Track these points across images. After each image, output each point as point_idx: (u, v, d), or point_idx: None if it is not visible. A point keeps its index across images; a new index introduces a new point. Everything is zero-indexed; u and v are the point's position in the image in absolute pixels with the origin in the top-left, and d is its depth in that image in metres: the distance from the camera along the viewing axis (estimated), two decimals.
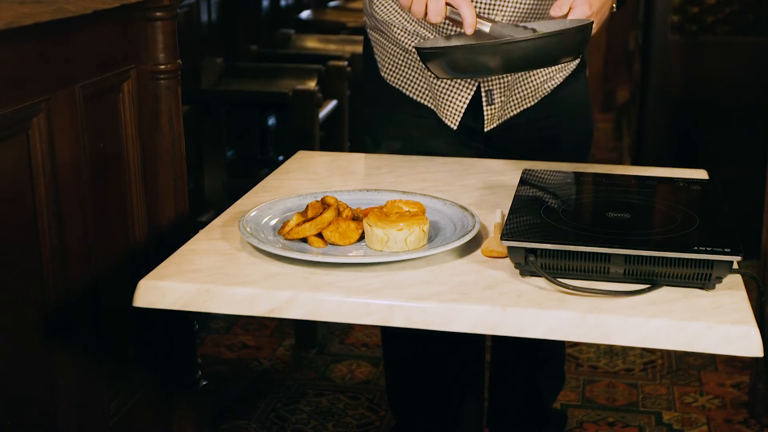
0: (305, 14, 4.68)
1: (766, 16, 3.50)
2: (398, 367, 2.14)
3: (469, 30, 1.57)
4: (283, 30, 4.25)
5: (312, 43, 4.16)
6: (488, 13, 1.77)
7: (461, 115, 1.87)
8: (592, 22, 1.55)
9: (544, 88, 1.91)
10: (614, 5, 1.71)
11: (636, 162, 3.95)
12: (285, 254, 1.34)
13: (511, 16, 1.77)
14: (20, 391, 1.65)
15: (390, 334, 2.12)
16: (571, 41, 1.52)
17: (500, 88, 1.85)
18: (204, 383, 2.24)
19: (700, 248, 1.24)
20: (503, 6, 1.76)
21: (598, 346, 2.90)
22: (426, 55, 1.55)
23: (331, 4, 5.10)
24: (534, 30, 1.64)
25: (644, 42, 3.81)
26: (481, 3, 1.75)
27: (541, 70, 1.88)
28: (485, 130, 1.88)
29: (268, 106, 3.51)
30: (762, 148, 3.44)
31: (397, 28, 1.88)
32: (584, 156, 1.99)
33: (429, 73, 1.87)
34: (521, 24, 1.67)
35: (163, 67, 1.99)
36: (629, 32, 5.17)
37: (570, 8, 1.61)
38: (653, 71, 3.70)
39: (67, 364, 1.78)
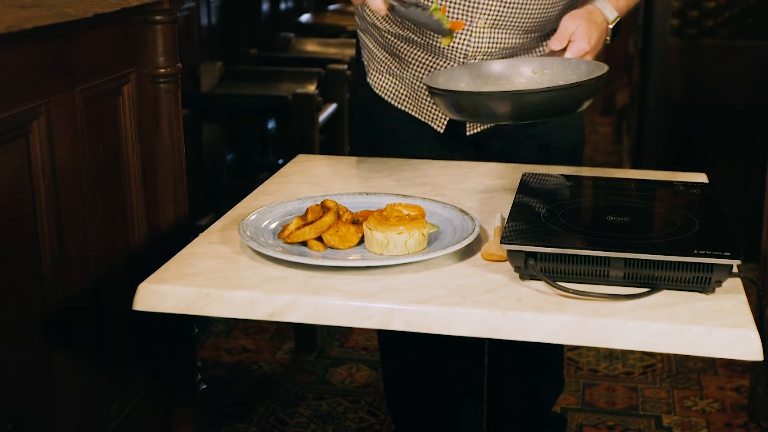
0: (305, 18, 4.68)
1: (765, 19, 3.50)
2: (396, 372, 2.14)
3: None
4: (283, 33, 4.25)
5: (312, 46, 4.17)
6: (470, 18, 1.75)
7: (448, 118, 1.87)
8: (608, 69, 1.52)
9: None
10: (608, 38, 1.70)
11: (636, 165, 3.95)
12: (285, 258, 1.34)
13: (493, 20, 1.76)
14: (20, 395, 1.65)
15: (387, 339, 2.12)
16: (590, 90, 1.49)
17: None
18: (204, 387, 2.24)
19: (700, 252, 1.24)
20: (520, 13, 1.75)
21: (597, 349, 2.90)
22: (437, 94, 1.52)
23: (331, 7, 5.10)
24: (543, 69, 1.62)
25: (644, 45, 3.81)
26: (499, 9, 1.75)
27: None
28: (467, 133, 1.89)
29: (268, 109, 3.51)
30: (762, 152, 3.44)
31: (387, 33, 1.88)
32: (576, 165, 1.99)
33: (412, 82, 1.87)
34: (524, 61, 1.65)
35: (163, 70, 1.99)
36: (629, 36, 5.18)
37: (569, 41, 1.61)
38: (653, 75, 3.70)
39: (67, 367, 1.77)
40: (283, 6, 4.65)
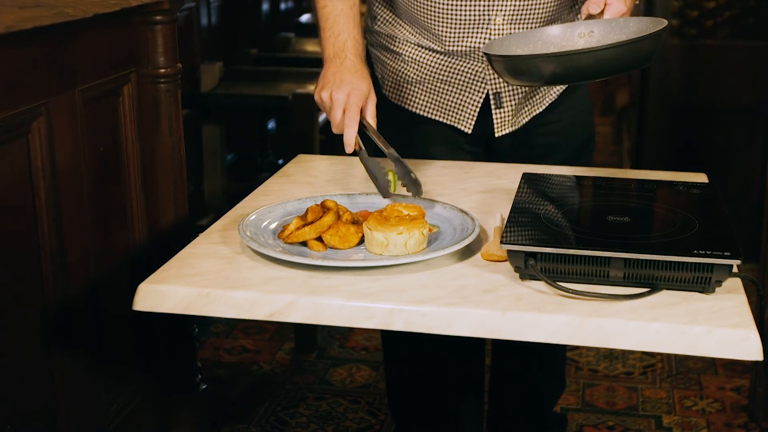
0: (305, 18, 4.68)
1: (765, 19, 3.50)
2: (398, 372, 2.14)
3: (348, 149, 1.62)
4: (283, 34, 4.25)
5: (312, 46, 4.16)
6: (487, 16, 1.76)
7: (475, 117, 1.87)
8: (667, 24, 1.54)
9: (551, 94, 1.91)
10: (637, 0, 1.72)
11: (636, 166, 3.95)
12: (285, 258, 1.34)
13: (511, 17, 1.77)
14: (20, 395, 1.65)
15: (390, 338, 2.12)
16: (658, 43, 1.50)
17: (509, 91, 1.85)
18: (204, 387, 2.24)
19: (700, 252, 1.24)
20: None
21: (598, 349, 2.90)
22: (523, 60, 1.52)
23: None
24: (590, 31, 1.64)
25: None
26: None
27: None
28: (497, 135, 1.88)
29: (268, 109, 3.51)
30: (761, 152, 3.45)
31: (400, 41, 1.88)
32: (586, 164, 1.99)
33: (435, 86, 1.86)
34: (566, 25, 1.66)
35: (163, 70, 1.99)
36: None
37: (605, 4, 1.62)
38: (653, 75, 3.70)
39: (67, 368, 1.77)
40: (283, 6, 4.65)
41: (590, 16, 1.65)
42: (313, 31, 4.48)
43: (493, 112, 1.86)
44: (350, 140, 1.61)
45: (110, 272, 1.93)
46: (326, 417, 2.54)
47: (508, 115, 1.87)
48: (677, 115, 3.71)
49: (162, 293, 1.29)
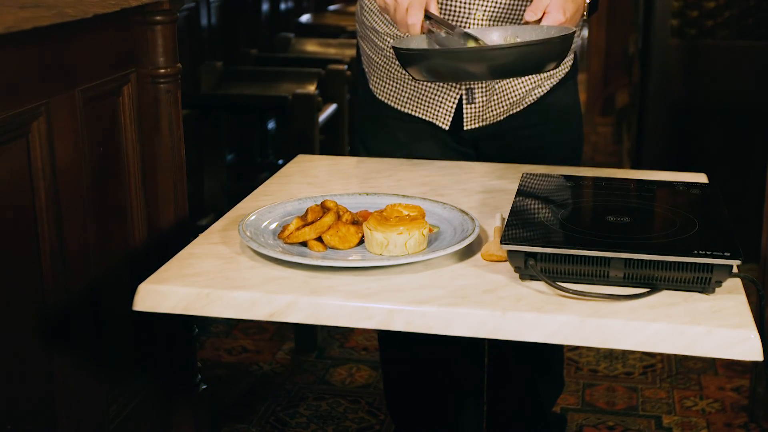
0: (305, 18, 4.68)
1: (765, 19, 3.50)
2: (396, 372, 2.14)
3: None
4: (283, 34, 4.25)
5: (312, 46, 4.17)
6: (468, 10, 1.77)
7: (452, 114, 1.88)
8: (575, 31, 1.55)
9: (531, 96, 1.91)
10: (585, 13, 1.71)
11: (636, 166, 3.95)
12: (285, 258, 1.34)
13: (491, 12, 1.76)
14: (20, 395, 1.65)
15: (387, 339, 2.12)
16: (554, 50, 1.52)
17: (481, 87, 1.86)
18: (204, 387, 2.24)
19: (700, 252, 1.24)
20: (483, 3, 1.76)
21: (597, 349, 2.90)
22: (405, 56, 1.55)
23: (331, 7, 5.10)
24: (515, 37, 1.64)
25: (644, 46, 3.81)
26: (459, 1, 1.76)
27: (528, 76, 1.88)
28: (465, 128, 1.89)
29: (268, 109, 3.51)
30: (762, 152, 3.44)
31: (386, 36, 1.89)
32: (574, 165, 1.99)
33: (414, 82, 1.88)
34: (499, 29, 1.67)
35: (163, 71, 1.99)
36: (629, 36, 5.18)
37: (544, 12, 1.62)
38: (653, 75, 3.70)
39: (67, 368, 1.78)
40: (283, 6, 4.65)
41: (528, 23, 1.66)
42: (313, 31, 4.49)
43: (464, 107, 1.87)
44: (416, 20, 1.57)
45: (110, 272, 1.93)
46: (326, 417, 2.54)
47: (479, 110, 1.88)
48: (677, 115, 3.71)
49: (162, 293, 1.29)
